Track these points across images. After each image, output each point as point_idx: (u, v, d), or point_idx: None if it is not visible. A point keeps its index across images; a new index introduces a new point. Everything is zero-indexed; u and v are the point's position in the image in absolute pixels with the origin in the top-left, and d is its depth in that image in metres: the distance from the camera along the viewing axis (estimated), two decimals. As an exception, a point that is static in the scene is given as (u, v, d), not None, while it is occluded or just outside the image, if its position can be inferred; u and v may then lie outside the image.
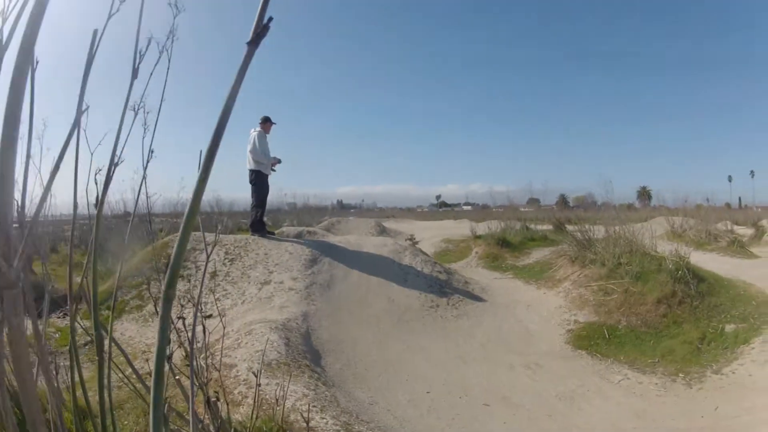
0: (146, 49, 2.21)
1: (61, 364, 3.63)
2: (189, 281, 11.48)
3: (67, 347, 2.80)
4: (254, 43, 1.08)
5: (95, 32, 1.85)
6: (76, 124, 1.94)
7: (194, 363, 2.40)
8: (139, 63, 2.18)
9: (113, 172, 2.28)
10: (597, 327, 10.53)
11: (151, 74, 2.31)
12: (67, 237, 17.73)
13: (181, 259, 1.18)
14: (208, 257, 2.68)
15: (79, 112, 1.93)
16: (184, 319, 3.03)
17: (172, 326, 2.96)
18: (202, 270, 11.39)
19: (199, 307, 2.67)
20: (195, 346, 2.51)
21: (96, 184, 2.43)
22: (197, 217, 1.20)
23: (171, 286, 1.18)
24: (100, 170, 2.41)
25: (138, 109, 2.29)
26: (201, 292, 2.59)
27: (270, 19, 1.08)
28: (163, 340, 1.19)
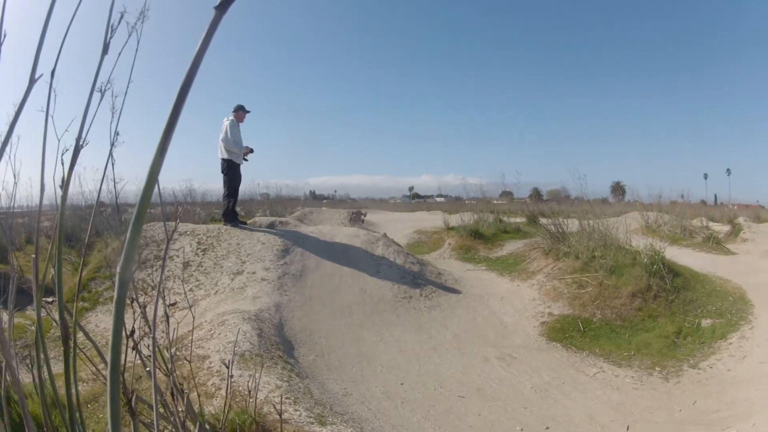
0: (118, 23, 2.13)
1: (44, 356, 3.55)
2: (162, 271, 11.33)
3: (46, 339, 2.73)
4: (222, 7, 1.01)
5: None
6: (24, 100, 1.85)
7: (155, 347, 2.32)
8: (111, 38, 2.10)
9: (78, 154, 2.21)
10: (571, 320, 10.54)
11: (120, 54, 2.23)
12: (43, 228, 17.54)
13: (136, 242, 1.14)
14: (167, 244, 2.60)
15: (30, 86, 1.85)
16: (144, 306, 2.95)
17: (139, 314, 2.89)
18: (175, 260, 11.31)
19: (161, 294, 2.60)
20: (157, 334, 2.44)
21: (62, 165, 2.35)
22: (150, 200, 1.15)
23: (126, 268, 1.14)
24: (66, 150, 2.33)
25: (105, 90, 2.22)
26: (161, 278, 2.50)
27: None
28: (119, 325, 1.18)
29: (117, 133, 2.61)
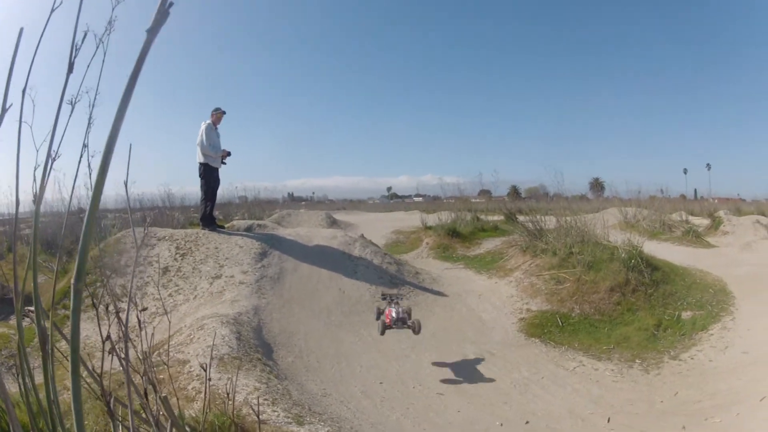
0: (82, 42, 2.15)
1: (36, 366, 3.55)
2: (141, 278, 11.33)
3: (28, 348, 2.74)
4: (153, 30, 1.03)
5: (20, 30, 1.79)
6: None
7: (127, 343, 2.33)
8: (75, 57, 2.12)
9: (50, 167, 2.24)
10: (550, 315, 10.60)
11: (88, 66, 2.25)
12: (24, 236, 17.45)
13: (87, 252, 1.18)
14: (137, 251, 2.61)
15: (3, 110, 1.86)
16: (118, 312, 2.95)
17: (113, 319, 2.91)
18: (154, 266, 11.28)
19: (133, 299, 2.62)
20: (129, 338, 2.46)
21: (34, 180, 2.37)
22: (96, 212, 1.13)
23: (79, 279, 1.18)
24: (38, 166, 2.35)
25: (75, 103, 2.24)
26: (132, 284, 2.53)
27: (171, 4, 1.01)
28: (76, 334, 1.17)
29: (85, 146, 2.62)
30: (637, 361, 8.71)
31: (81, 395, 1.31)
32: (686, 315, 10.01)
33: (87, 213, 1.08)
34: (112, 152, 1.10)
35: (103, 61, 2.33)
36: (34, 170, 2.35)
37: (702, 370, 8.13)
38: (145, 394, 3.03)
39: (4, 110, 1.81)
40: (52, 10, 2.00)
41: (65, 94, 2.10)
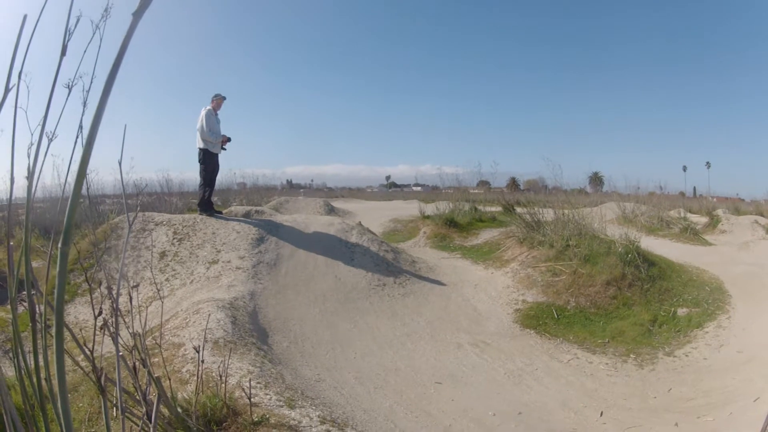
0: (74, 27, 2.18)
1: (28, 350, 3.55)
2: (138, 263, 11.36)
3: (24, 333, 2.74)
4: (138, 13, 1.04)
5: (24, 18, 1.80)
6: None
7: (118, 326, 2.34)
8: (68, 41, 2.15)
9: (47, 149, 2.28)
10: (545, 307, 10.62)
11: (85, 51, 2.27)
12: (21, 221, 17.51)
13: (73, 217, 1.24)
14: (129, 230, 2.61)
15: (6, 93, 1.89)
16: (110, 289, 2.95)
17: (105, 298, 2.92)
18: (151, 251, 11.27)
19: (125, 277, 2.63)
20: (120, 314, 2.46)
21: (28, 157, 2.38)
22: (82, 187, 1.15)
23: (66, 243, 1.25)
24: (32, 145, 2.36)
25: (72, 86, 2.26)
26: (122, 262, 2.53)
27: None
28: (61, 296, 1.21)
29: (81, 127, 2.63)
30: (631, 355, 8.70)
31: (64, 358, 1.32)
32: (682, 312, 10.02)
33: (74, 181, 1.08)
34: (99, 126, 1.11)
35: (99, 46, 2.35)
36: (28, 148, 2.36)
37: (696, 367, 8.13)
38: (135, 370, 3.03)
39: (7, 90, 1.83)
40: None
41: (59, 76, 2.14)
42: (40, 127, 2.25)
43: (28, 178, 2.27)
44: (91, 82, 2.44)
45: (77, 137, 2.66)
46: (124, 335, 3.48)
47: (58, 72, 2.11)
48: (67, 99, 2.26)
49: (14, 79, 2.01)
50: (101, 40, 2.32)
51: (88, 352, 2.76)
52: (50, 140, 2.28)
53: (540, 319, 10.22)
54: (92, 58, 2.33)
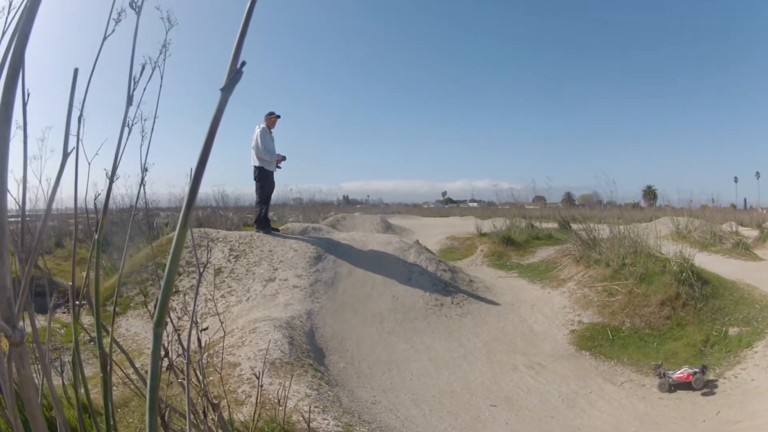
0: (140, 75, 2.27)
1: (67, 360, 3.66)
2: (194, 278, 11.51)
3: (72, 343, 2.85)
4: (228, 89, 1.08)
5: (75, 71, 1.88)
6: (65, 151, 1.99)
7: (188, 378, 2.42)
8: (134, 90, 2.24)
9: (111, 185, 2.37)
10: (601, 328, 10.50)
11: (143, 93, 2.35)
12: (72, 231, 17.76)
13: (169, 296, 1.18)
14: (200, 277, 2.71)
15: (67, 137, 1.98)
16: (179, 332, 3.05)
17: (172, 337, 3.00)
18: (207, 267, 11.41)
19: (194, 319, 2.70)
20: (191, 358, 2.54)
21: (95, 201, 2.50)
22: (182, 250, 1.18)
23: (159, 324, 1.18)
24: (98, 193, 2.48)
25: (132, 126, 2.34)
26: (195, 303, 2.61)
27: (243, 63, 1.08)
28: (155, 378, 1.20)
29: (146, 167, 2.75)
30: (684, 378, 8.61)
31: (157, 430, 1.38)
32: (733, 331, 9.87)
33: (169, 260, 1.14)
34: (191, 213, 1.17)
35: (160, 85, 2.45)
36: (95, 197, 2.49)
37: (744, 389, 8.03)
38: (204, 408, 3.13)
39: (66, 154, 1.91)
40: (105, 38, 2.11)
41: (125, 123, 2.23)
42: (104, 159, 2.36)
43: (101, 214, 2.36)
44: (154, 122, 2.55)
45: (144, 170, 2.78)
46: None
47: (124, 120, 2.21)
48: (128, 136, 2.36)
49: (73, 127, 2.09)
50: (162, 78, 2.41)
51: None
52: (114, 181, 2.37)
53: (595, 341, 10.14)
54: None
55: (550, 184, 34.32)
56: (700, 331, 9.95)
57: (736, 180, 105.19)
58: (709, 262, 14.61)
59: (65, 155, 1.87)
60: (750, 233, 24.38)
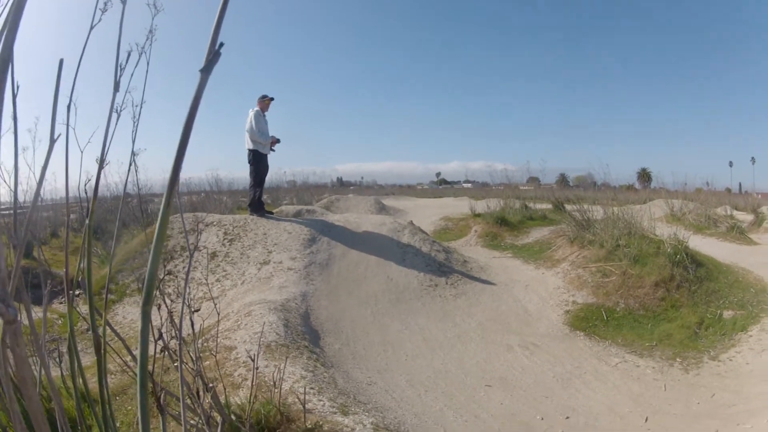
0: (126, 61, 2.28)
1: (65, 350, 3.67)
2: (187, 263, 11.47)
3: (64, 336, 2.85)
4: (207, 70, 1.09)
5: (61, 62, 1.89)
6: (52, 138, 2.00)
7: (182, 351, 2.43)
8: (120, 76, 2.24)
9: (100, 171, 2.38)
10: (595, 309, 10.55)
11: (131, 79, 2.36)
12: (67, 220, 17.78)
13: (155, 277, 1.21)
14: (191, 260, 2.71)
15: (53, 128, 1.98)
16: (172, 313, 3.06)
17: (167, 319, 3.00)
18: (201, 251, 11.41)
19: (186, 302, 2.70)
20: (183, 342, 2.55)
21: (85, 186, 2.51)
22: (163, 242, 1.20)
23: (147, 302, 1.22)
24: (89, 179, 2.48)
25: (121, 112, 2.35)
26: (186, 286, 2.62)
27: (221, 44, 1.08)
28: (144, 355, 1.22)
29: (135, 152, 2.76)
30: (677, 359, 8.65)
31: (147, 409, 1.38)
32: (728, 314, 9.91)
33: (155, 240, 1.15)
34: (174, 193, 1.18)
35: (146, 71, 2.45)
36: (86, 181, 2.49)
37: (739, 372, 8.05)
38: (197, 391, 3.14)
39: (53, 141, 1.91)
40: (92, 28, 2.12)
41: (112, 108, 2.24)
42: (95, 144, 2.37)
43: (89, 204, 2.37)
44: (141, 108, 2.56)
45: (133, 155, 2.79)
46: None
47: (112, 105, 2.23)
48: (117, 122, 2.37)
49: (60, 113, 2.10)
50: (148, 64, 2.42)
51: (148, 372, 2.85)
52: (103, 167, 2.38)
53: (589, 321, 10.18)
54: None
55: (545, 165, 34.36)
56: (695, 314, 9.98)
57: (731, 164, 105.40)
58: (703, 244, 14.61)
59: (52, 142, 1.88)
60: (745, 217, 24.36)
